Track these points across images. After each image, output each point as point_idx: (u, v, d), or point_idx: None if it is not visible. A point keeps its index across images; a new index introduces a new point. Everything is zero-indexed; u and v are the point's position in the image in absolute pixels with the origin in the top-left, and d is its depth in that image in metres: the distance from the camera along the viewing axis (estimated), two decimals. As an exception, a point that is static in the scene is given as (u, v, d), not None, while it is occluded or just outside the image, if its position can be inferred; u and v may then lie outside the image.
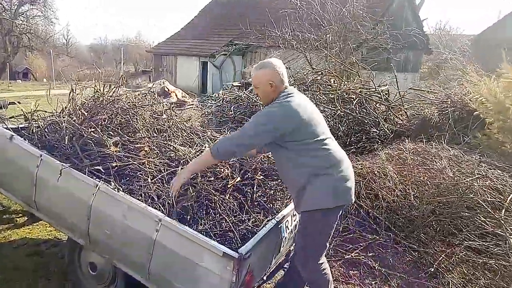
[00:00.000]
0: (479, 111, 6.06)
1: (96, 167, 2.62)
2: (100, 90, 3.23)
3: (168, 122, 3.49)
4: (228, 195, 2.83)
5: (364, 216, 4.13)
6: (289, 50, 11.22)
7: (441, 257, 3.60)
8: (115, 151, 2.68)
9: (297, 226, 2.85)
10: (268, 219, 2.73)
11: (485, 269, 3.50)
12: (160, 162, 2.83)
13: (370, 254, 3.75)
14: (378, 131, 6.25)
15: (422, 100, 7.42)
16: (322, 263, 2.61)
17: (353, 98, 6.36)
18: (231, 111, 5.57)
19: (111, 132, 2.92)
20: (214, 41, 19.56)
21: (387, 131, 6.26)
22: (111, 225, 2.49)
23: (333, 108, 6.09)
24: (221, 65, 19.02)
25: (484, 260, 3.51)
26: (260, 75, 2.53)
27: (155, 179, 2.64)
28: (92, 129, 2.77)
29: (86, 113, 2.96)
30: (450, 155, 4.57)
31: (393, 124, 6.55)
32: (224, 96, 6.40)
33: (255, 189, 3.05)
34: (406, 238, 3.92)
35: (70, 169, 2.60)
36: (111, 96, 3.17)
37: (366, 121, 6.20)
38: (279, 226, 2.71)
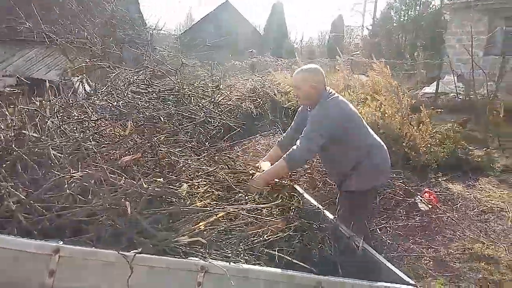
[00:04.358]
0: (282, 100, 7.44)
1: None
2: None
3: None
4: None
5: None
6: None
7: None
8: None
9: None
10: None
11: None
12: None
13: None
14: (215, 129, 6.44)
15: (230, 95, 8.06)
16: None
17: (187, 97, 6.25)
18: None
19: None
20: None
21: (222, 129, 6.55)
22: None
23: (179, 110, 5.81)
24: None
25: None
26: (306, 77, 2.89)
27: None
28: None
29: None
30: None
31: (222, 121, 6.88)
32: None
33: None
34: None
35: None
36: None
37: (207, 121, 6.28)
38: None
